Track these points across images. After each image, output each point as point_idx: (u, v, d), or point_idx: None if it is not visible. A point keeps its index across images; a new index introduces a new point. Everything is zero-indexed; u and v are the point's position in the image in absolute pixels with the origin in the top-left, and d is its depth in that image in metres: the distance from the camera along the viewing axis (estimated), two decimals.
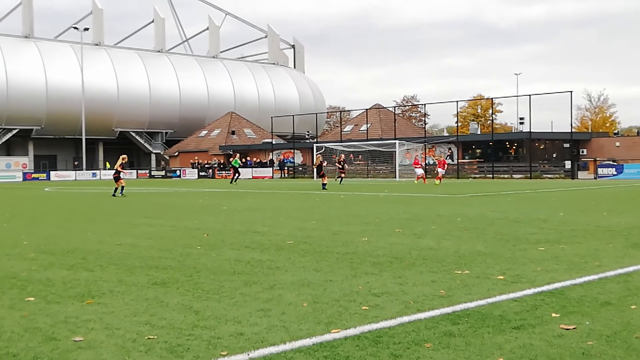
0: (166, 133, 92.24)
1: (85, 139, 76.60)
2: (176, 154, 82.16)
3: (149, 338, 4.95)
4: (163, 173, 74.07)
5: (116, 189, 27.36)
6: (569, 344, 4.63)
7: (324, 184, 32.02)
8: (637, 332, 4.89)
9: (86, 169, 75.80)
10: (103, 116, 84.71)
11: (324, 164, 31.95)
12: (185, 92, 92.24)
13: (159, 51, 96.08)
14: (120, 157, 27.84)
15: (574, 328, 5.03)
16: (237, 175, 46.92)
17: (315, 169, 34.15)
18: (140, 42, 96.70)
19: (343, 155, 37.22)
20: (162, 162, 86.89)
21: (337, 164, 34.40)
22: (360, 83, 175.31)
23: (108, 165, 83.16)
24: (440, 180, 37.25)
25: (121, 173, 27.38)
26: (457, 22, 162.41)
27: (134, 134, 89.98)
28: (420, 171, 40.05)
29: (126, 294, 6.64)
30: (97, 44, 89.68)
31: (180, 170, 72.04)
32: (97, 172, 74.53)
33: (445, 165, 38.60)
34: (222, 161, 72.57)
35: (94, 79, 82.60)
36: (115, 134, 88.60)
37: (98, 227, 13.72)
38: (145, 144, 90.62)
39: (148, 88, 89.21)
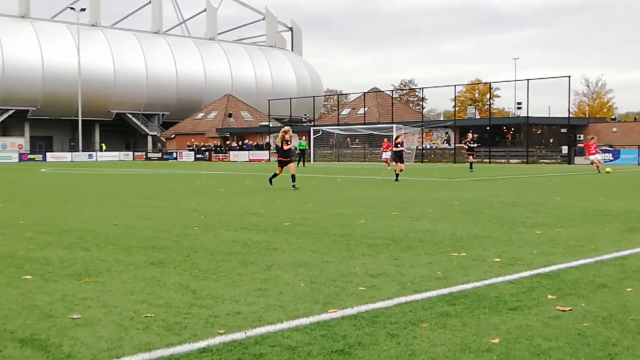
0: (163, 115, 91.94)
1: (82, 120, 76.33)
2: (173, 136, 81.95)
3: (147, 316, 4.96)
4: (159, 155, 73.95)
5: (274, 175, 19.81)
6: (565, 325, 4.65)
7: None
8: (633, 314, 4.91)
9: (82, 151, 75.59)
10: (99, 97, 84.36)
11: (400, 146, 24.11)
12: (182, 74, 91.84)
13: (155, 32, 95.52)
14: (282, 130, 19.76)
15: (570, 310, 5.06)
16: (303, 157, 44.30)
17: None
18: (137, 24, 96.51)
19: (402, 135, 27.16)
20: (159, 144, 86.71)
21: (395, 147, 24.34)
22: (360, 67, 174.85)
23: (104, 147, 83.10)
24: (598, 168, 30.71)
25: (287, 152, 19.60)
26: (458, 6, 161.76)
27: (130, 116, 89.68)
28: (387, 154, 38.69)
29: (123, 273, 6.65)
30: (93, 25, 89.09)
31: (176, 152, 71.93)
32: (93, 153, 74.40)
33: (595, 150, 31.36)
34: (218, 144, 72.45)
35: (91, 60, 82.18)
36: (111, 116, 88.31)
37: (94, 208, 13.71)
38: (142, 126, 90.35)
39: (145, 69, 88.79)
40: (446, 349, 4.13)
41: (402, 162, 23.80)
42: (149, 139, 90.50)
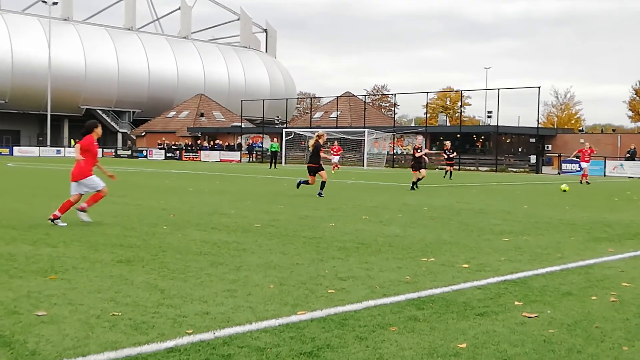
0: (133, 112, 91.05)
1: (51, 115, 75.21)
2: (143, 134, 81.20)
3: (114, 314, 4.91)
4: (129, 153, 73.18)
5: (305, 182, 17.88)
6: (531, 331, 4.71)
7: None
8: (597, 322, 4.99)
9: (50, 146, 74.48)
10: (69, 93, 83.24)
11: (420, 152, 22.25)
12: (155, 72, 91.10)
13: (128, 29, 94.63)
14: (316, 134, 17.82)
15: (536, 316, 5.12)
16: (274, 159, 43.89)
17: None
18: (110, 19, 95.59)
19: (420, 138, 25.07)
20: (129, 142, 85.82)
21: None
22: (335, 71, 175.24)
23: (73, 143, 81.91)
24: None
25: (318, 157, 17.52)
26: (436, 14, 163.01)
27: (100, 112, 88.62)
28: (334, 159, 38.56)
29: (90, 271, 6.56)
30: (65, 19, 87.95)
31: (147, 150, 71.25)
32: (62, 149, 73.32)
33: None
34: (189, 143, 71.98)
35: (62, 54, 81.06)
36: (81, 111, 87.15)
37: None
38: (112, 123, 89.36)
39: (116, 66, 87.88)
40: (414, 352, 4.15)
41: (422, 169, 21.85)
42: (119, 136, 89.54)
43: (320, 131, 17.88)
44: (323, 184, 17.22)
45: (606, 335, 4.64)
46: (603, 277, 6.79)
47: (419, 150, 22.34)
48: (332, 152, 39.38)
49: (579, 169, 43.02)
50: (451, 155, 32.64)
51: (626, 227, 11.41)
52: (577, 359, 4.11)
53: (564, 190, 15.09)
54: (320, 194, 16.89)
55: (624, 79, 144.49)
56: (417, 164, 21.81)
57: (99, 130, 10.85)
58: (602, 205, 16.46)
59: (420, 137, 22.37)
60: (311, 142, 17.66)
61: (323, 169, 17.45)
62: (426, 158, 23.23)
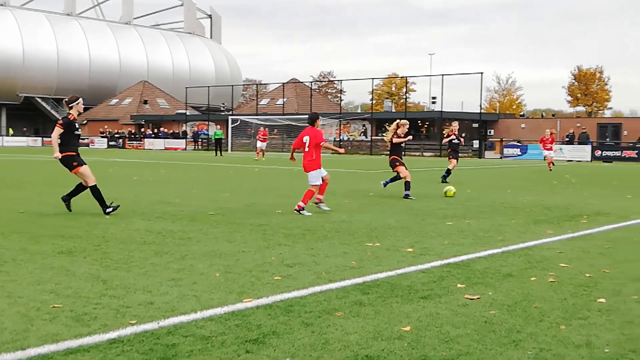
0: None
1: None
2: (85, 122, 79.28)
3: (54, 307, 4.80)
4: None
5: (396, 177, 14.63)
6: (473, 312, 4.81)
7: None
8: (536, 302, 5.14)
9: None
10: (6, 80, 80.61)
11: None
12: (96, 59, 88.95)
13: (68, 14, 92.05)
14: (395, 122, 14.77)
15: (478, 298, 5.24)
16: (219, 147, 42.88)
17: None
18: (49, 5, 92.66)
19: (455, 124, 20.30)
20: None
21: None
22: (282, 58, 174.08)
23: (11, 132, 79.58)
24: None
25: (399, 148, 14.66)
26: (382, 1, 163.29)
27: (39, 100, 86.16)
28: (262, 145, 36.57)
29: (30, 263, 6.40)
30: (2, 4, 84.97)
31: (88, 139, 69.69)
32: (0, 138, 71.06)
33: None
34: (133, 131, 70.71)
35: None
36: (19, 99, 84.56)
37: (0, 195, 13.12)
38: (52, 111, 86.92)
39: (56, 52, 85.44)
40: (359, 337, 4.19)
41: (456, 157, 19.39)
42: None
43: (403, 120, 14.74)
44: (408, 184, 13.88)
45: (545, 315, 4.78)
46: (542, 259, 6.98)
47: (455, 138, 19.45)
48: (259, 137, 37.40)
49: (520, 153, 44.10)
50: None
51: (564, 210, 11.75)
52: (516, 338, 4.22)
53: (449, 196, 13.47)
54: (407, 196, 13.62)
55: (563, 64, 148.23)
56: (454, 151, 19.47)
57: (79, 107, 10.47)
58: (542, 189, 16.90)
59: (456, 123, 17.46)
60: (390, 130, 14.40)
61: (404, 165, 14.24)
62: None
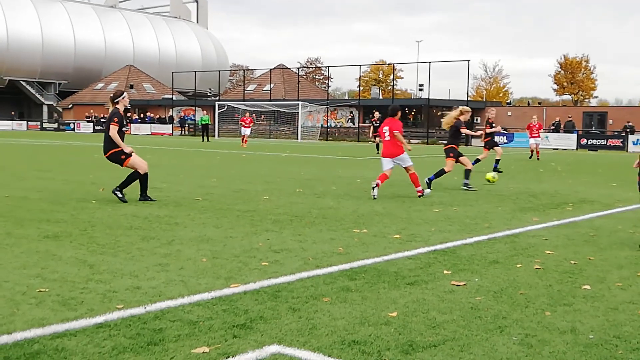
0: (60, 84, 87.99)
1: None
2: (70, 106, 78.67)
3: (40, 291, 4.78)
4: (56, 126, 70.84)
5: (467, 173, 13.35)
6: (459, 299, 4.84)
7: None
8: (522, 289, 5.18)
9: None
10: None
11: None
12: (81, 42, 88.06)
13: None
14: (459, 109, 13.41)
15: (464, 284, 5.27)
16: (206, 132, 42.52)
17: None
18: None
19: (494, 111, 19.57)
20: (55, 114, 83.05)
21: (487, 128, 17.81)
22: (269, 43, 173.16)
23: None
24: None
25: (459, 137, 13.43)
26: None
27: (24, 84, 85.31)
28: (245, 131, 35.51)
29: (15, 247, 6.36)
30: None
31: (74, 123, 69.12)
32: None
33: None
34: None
35: None
36: (3, 83, 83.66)
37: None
38: (37, 95, 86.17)
39: (40, 35, 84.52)
40: (346, 322, 4.21)
41: (497, 145, 18.57)
42: (45, 108, 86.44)
43: (465, 107, 13.53)
44: (468, 172, 13.28)
45: (530, 301, 4.82)
46: (528, 246, 7.03)
47: (493, 125, 18.48)
48: (243, 123, 36.54)
49: (506, 141, 44.27)
50: (376, 126, 29.43)
51: (550, 197, 11.83)
52: (502, 324, 4.25)
53: (491, 181, 13.36)
54: (467, 185, 13.12)
55: (550, 53, 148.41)
56: (492, 141, 18.56)
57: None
58: (528, 177, 16.99)
59: (493, 109, 16.43)
60: (451, 116, 13.15)
61: (451, 154, 13.18)
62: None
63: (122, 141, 9.89)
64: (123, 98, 10.06)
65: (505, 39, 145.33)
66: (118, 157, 9.91)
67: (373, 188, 11.16)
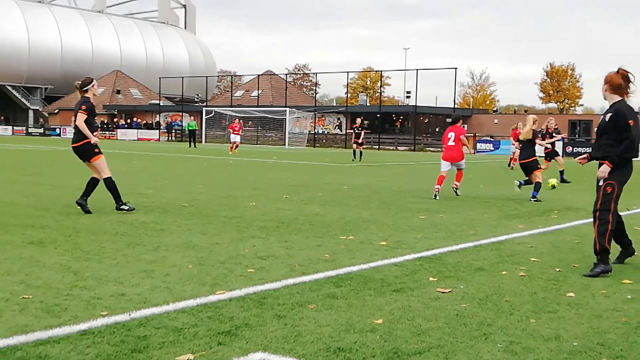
0: (46, 89, 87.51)
1: None
2: (56, 111, 78.24)
3: (24, 297, 4.74)
4: (41, 131, 70.42)
5: (526, 182, 12.97)
6: (445, 306, 4.85)
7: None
8: (507, 296, 5.20)
9: None
10: None
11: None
12: (68, 47, 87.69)
13: (39, 1, 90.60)
14: (531, 118, 12.92)
15: (450, 291, 5.28)
16: (193, 138, 42.24)
17: None
18: None
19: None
20: (41, 119, 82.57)
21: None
22: (257, 49, 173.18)
23: None
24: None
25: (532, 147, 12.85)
26: None
27: (10, 88, 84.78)
28: (235, 138, 35.27)
29: None
30: None
31: (60, 128, 68.71)
32: None
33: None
34: (105, 121, 69.92)
35: None
36: None
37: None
38: (23, 99, 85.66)
39: (27, 40, 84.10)
40: (332, 329, 4.21)
41: (557, 156, 18.12)
42: (30, 113, 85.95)
43: (534, 116, 13.08)
44: (538, 185, 12.66)
45: (515, 309, 4.83)
46: (513, 253, 7.06)
47: (553, 135, 17.80)
48: (232, 130, 36.36)
49: (492, 148, 44.47)
50: (358, 132, 29.38)
51: (536, 205, 11.88)
52: (487, 331, 4.27)
53: (553, 186, 13.32)
54: (534, 197, 12.54)
55: (536, 61, 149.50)
56: (553, 151, 18.17)
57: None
58: (513, 183, 17.04)
59: (552, 118, 18.65)
60: (529, 128, 12.57)
61: (538, 166, 12.80)
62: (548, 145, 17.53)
63: (92, 133, 9.31)
64: (92, 86, 9.38)
65: (492, 47, 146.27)
66: (90, 150, 9.34)
67: (435, 196, 12.27)
